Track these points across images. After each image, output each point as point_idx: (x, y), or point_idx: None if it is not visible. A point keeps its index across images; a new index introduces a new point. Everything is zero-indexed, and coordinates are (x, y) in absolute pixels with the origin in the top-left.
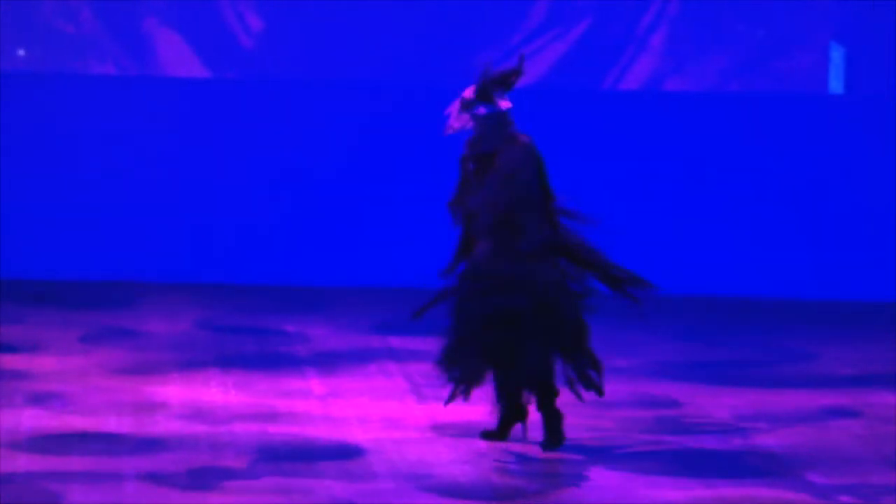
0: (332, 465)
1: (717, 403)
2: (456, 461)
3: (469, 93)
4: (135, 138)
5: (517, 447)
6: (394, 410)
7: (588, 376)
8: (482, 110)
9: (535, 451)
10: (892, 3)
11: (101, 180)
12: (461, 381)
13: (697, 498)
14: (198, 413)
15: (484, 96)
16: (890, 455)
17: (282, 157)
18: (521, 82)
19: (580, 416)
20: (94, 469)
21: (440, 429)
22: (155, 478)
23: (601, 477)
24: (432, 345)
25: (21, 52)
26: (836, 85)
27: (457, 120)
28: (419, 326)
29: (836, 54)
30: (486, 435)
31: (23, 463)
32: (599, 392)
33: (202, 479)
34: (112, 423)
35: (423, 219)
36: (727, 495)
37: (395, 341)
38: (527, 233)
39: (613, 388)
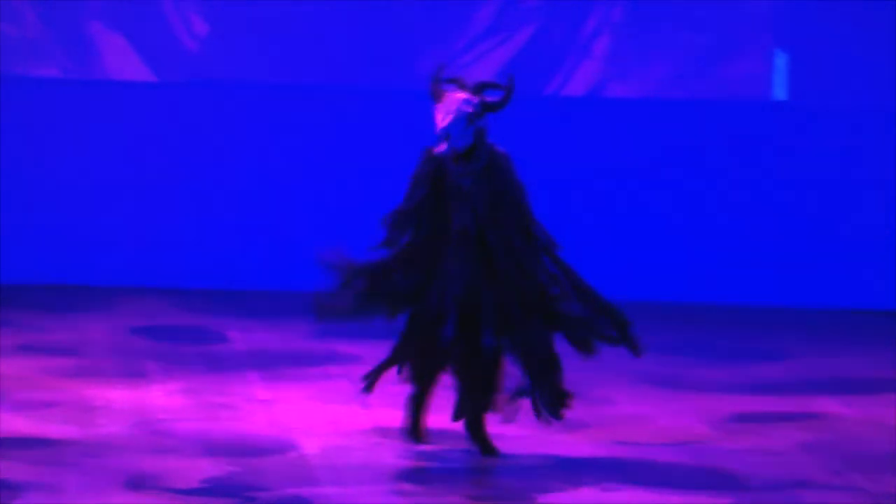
0: (275, 470)
1: (662, 409)
2: (401, 466)
3: (468, 106)
4: (76, 141)
5: (458, 449)
6: (338, 415)
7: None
8: (480, 123)
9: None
10: (836, 10)
11: (37, 183)
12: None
13: (638, 501)
14: (140, 417)
15: (486, 109)
16: (832, 464)
17: (224, 159)
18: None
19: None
20: (36, 473)
21: (384, 433)
22: (98, 482)
23: (545, 481)
24: (376, 349)
25: None
26: (779, 91)
27: (462, 136)
28: (362, 331)
29: (780, 61)
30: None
31: None
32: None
33: (145, 483)
34: (55, 428)
35: (366, 223)
36: (671, 502)
37: (339, 346)
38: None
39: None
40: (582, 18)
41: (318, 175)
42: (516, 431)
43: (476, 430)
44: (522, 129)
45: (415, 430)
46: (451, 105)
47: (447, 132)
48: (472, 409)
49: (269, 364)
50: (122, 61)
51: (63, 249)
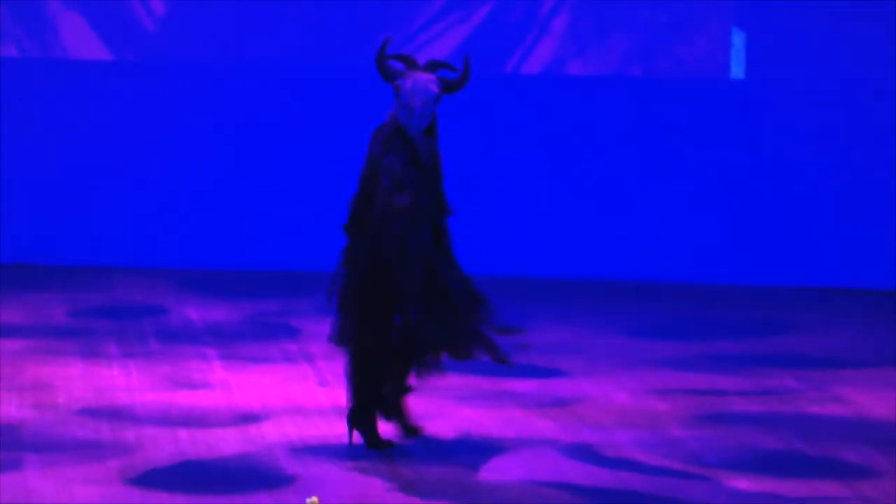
0: (233, 448)
1: (620, 386)
2: (359, 444)
3: (434, 86)
4: (35, 120)
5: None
6: (296, 393)
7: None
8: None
9: (439, 435)
10: None
11: (3, 161)
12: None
13: (603, 484)
14: (99, 396)
15: (446, 89)
16: (790, 441)
17: (182, 139)
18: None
19: (483, 406)
20: None
21: (342, 412)
22: (57, 461)
23: (498, 458)
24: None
25: None
26: (737, 70)
27: (429, 117)
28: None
29: (738, 39)
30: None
31: None
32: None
33: (104, 461)
34: (13, 407)
35: (323, 201)
36: (625, 475)
37: (298, 323)
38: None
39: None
40: None
41: (274, 152)
42: (472, 410)
43: (399, 412)
44: (482, 107)
45: (408, 428)
46: (418, 84)
47: (417, 112)
48: (396, 389)
49: (228, 342)
50: (81, 40)
51: (19, 229)
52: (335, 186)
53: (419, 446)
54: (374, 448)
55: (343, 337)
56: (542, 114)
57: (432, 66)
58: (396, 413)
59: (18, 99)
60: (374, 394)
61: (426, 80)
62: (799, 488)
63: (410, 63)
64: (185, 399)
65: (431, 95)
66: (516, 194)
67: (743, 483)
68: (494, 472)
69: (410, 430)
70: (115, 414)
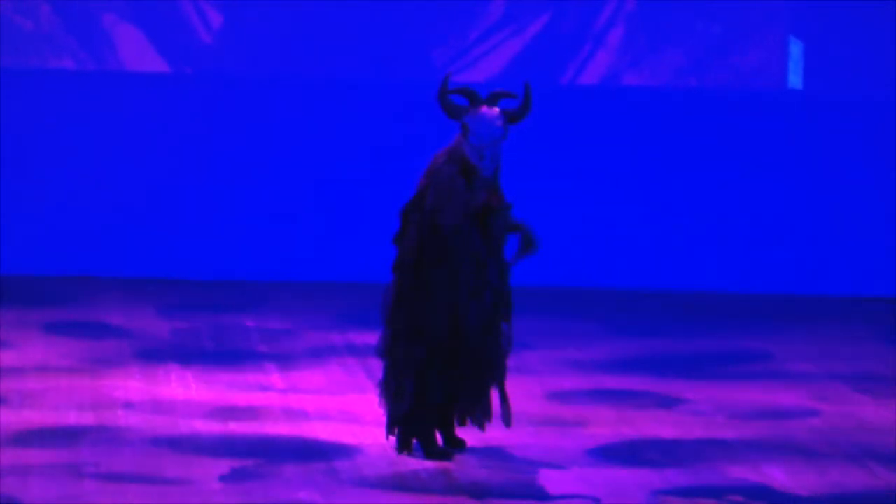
0: (292, 461)
1: (675, 398)
2: (417, 456)
3: (500, 122)
4: (93, 134)
5: (476, 442)
6: (354, 405)
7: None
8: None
9: (495, 443)
10: None
11: (58, 175)
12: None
13: (651, 485)
14: (158, 409)
15: (509, 122)
16: (846, 449)
17: (241, 151)
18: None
19: (536, 407)
20: (53, 466)
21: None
22: (114, 475)
23: (560, 467)
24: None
25: None
26: (794, 80)
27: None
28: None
29: (795, 49)
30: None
31: None
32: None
33: (162, 476)
34: (72, 419)
35: (382, 213)
36: (680, 483)
37: (356, 336)
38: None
39: (572, 380)
40: (596, 8)
41: (333, 167)
42: (531, 418)
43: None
44: (538, 119)
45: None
46: (485, 124)
47: (488, 155)
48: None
49: (287, 355)
50: (137, 52)
51: (83, 240)
52: (390, 198)
53: (474, 455)
54: (433, 457)
55: (386, 348)
56: (598, 125)
57: (495, 98)
58: (443, 424)
59: (77, 110)
60: (427, 404)
61: (492, 118)
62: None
63: (473, 97)
64: (243, 411)
65: (498, 133)
66: (574, 205)
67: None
68: (551, 482)
69: (455, 442)
70: (173, 427)
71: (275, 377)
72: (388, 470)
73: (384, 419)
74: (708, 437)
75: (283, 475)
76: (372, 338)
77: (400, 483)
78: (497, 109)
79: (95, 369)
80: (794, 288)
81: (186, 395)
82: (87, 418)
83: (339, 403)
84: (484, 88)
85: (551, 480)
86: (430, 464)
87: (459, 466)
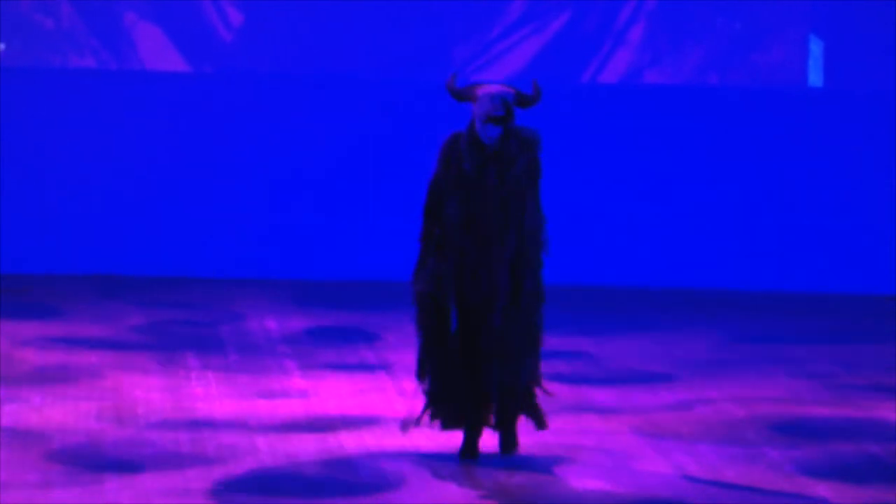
0: (313, 458)
1: (698, 395)
2: (438, 453)
3: (505, 93)
4: (112, 132)
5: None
6: (375, 404)
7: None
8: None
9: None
10: None
11: (78, 174)
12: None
13: (682, 494)
14: (178, 407)
15: (521, 99)
16: (869, 451)
17: (260, 150)
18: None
19: (560, 414)
20: (74, 464)
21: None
22: (134, 476)
23: (578, 471)
24: (412, 339)
25: (0, 47)
26: (815, 78)
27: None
28: (399, 318)
29: (815, 47)
30: (464, 455)
31: (2, 457)
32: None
33: (183, 472)
34: (93, 418)
35: (398, 211)
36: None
37: (376, 334)
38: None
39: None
40: (616, 5)
41: (355, 165)
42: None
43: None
44: (558, 116)
45: (472, 449)
46: (495, 92)
47: (504, 103)
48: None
49: (306, 352)
50: (158, 51)
51: (98, 239)
52: (411, 196)
53: (498, 456)
54: (465, 457)
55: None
56: (619, 123)
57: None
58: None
59: (98, 109)
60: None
61: (497, 90)
62: (879, 496)
63: (479, 86)
64: (263, 409)
65: (507, 92)
66: (593, 203)
67: (825, 491)
68: (572, 481)
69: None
70: (194, 425)
71: (295, 377)
72: (411, 469)
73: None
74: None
75: (305, 478)
76: (391, 335)
77: (423, 480)
78: (504, 87)
79: (116, 368)
80: (817, 286)
81: (207, 394)
82: (108, 418)
83: (361, 404)
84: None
85: (570, 477)
86: (451, 463)
87: (482, 468)
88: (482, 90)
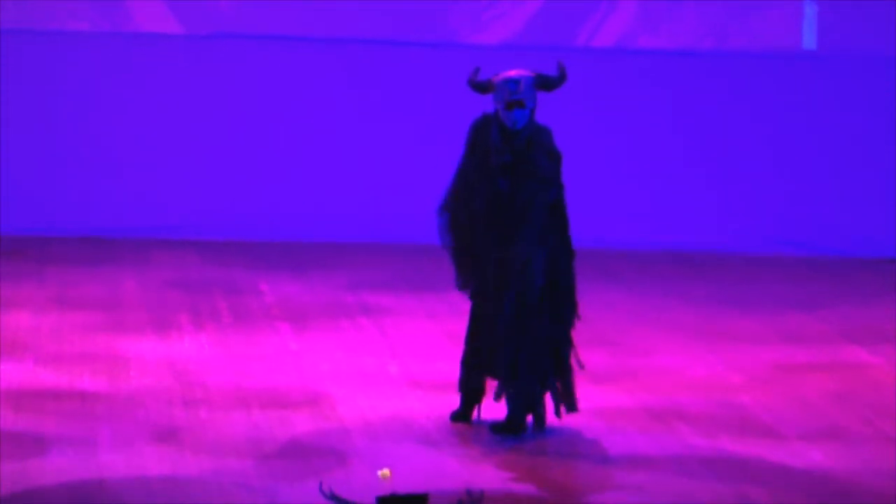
0: (306, 421)
1: (691, 358)
2: (431, 418)
3: (524, 77)
4: (106, 95)
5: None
6: (368, 367)
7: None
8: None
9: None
10: None
11: (71, 136)
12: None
13: (675, 453)
14: (172, 370)
15: (543, 81)
16: (862, 413)
17: (254, 113)
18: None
19: None
20: (67, 427)
21: (415, 385)
22: (129, 434)
23: (571, 432)
24: (406, 301)
25: None
26: (808, 41)
27: (531, 95)
28: (392, 281)
29: (810, 10)
30: (456, 418)
31: None
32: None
33: (176, 435)
34: (86, 381)
35: (394, 175)
36: (699, 447)
37: (369, 297)
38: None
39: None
40: None
41: (346, 128)
42: None
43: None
44: None
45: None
46: (514, 77)
47: (519, 84)
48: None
49: (300, 316)
50: (152, 14)
51: (93, 202)
52: (401, 158)
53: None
54: (456, 419)
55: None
56: (613, 88)
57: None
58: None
59: (93, 73)
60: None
61: (516, 75)
62: (873, 460)
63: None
64: (257, 373)
65: (526, 76)
66: (585, 168)
67: (817, 454)
68: (565, 446)
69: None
70: (188, 389)
71: (289, 340)
72: (402, 429)
73: (400, 380)
74: (723, 400)
75: (297, 436)
76: (385, 299)
77: (415, 442)
78: (523, 71)
79: (109, 331)
80: (813, 249)
81: (200, 357)
82: (101, 381)
83: (352, 365)
84: (497, 49)
85: (561, 444)
86: (444, 423)
87: (474, 429)
88: (498, 77)
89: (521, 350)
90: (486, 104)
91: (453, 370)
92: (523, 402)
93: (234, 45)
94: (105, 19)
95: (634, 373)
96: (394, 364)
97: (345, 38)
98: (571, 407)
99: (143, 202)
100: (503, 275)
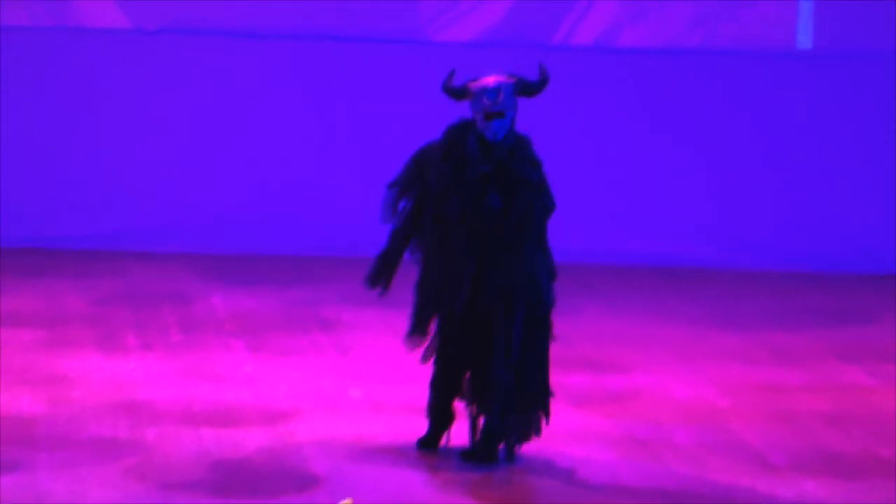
0: (261, 444)
1: (675, 379)
2: (393, 442)
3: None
4: (45, 95)
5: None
6: (327, 388)
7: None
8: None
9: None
10: None
11: (6, 139)
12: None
13: (659, 484)
14: (117, 391)
15: (524, 87)
16: (860, 439)
17: (205, 115)
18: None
19: None
20: (5, 451)
21: (375, 407)
22: (71, 459)
23: (548, 459)
24: (367, 317)
25: None
26: (804, 40)
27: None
28: (352, 297)
29: (805, 7)
30: (423, 444)
31: None
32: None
33: (122, 459)
34: (25, 402)
35: (355, 182)
36: (685, 476)
37: (328, 312)
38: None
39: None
40: None
41: (304, 132)
42: None
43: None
44: None
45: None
46: (492, 85)
47: (499, 93)
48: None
49: (254, 333)
50: (96, 7)
51: (31, 210)
52: (365, 166)
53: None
54: (424, 447)
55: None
56: (593, 88)
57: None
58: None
59: (26, 72)
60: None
61: (494, 82)
62: (871, 491)
63: (476, 80)
64: (208, 393)
65: (505, 83)
66: (564, 176)
67: (810, 484)
68: (540, 471)
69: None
70: (134, 409)
71: (243, 359)
72: (362, 453)
73: (360, 401)
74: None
75: (250, 458)
76: (342, 314)
77: (376, 467)
78: (502, 76)
79: (50, 348)
80: (804, 264)
81: (148, 376)
82: (41, 402)
83: (310, 384)
84: (471, 47)
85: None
86: (407, 446)
87: (439, 456)
88: (477, 84)
89: (507, 375)
90: (458, 108)
91: (420, 392)
92: (498, 429)
93: (185, 41)
94: (49, 14)
95: (615, 395)
96: (355, 384)
97: (305, 35)
98: (536, 431)
99: (85, 211)
100: (504, 292)
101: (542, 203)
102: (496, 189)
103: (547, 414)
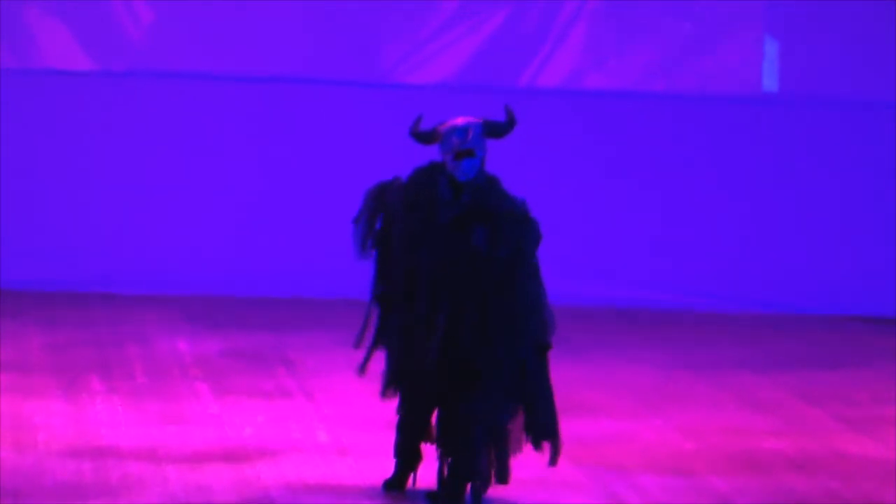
0: (227, 490)
1: (640, 424)
2: (359, 486)
3: (472, 126)
4: (9, 136)
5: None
6: (293, 431)
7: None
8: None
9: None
10: None
11: None
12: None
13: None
14: (82, 435)
15: (491, 129)
16: (827, 486)
17: (168, 156)
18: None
19: None
20: None
21: (342, 451)
22: (36, 503)
23: (513, 494)
24: (333, 359)
25: None
26: (769, 83)
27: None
28: (317, 339)
29: (770, 49)
30: (389, 486)
31: None
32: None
33: (87, 501)
34: None
35: (319, 223)
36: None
37: (294, 355)
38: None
39: None
40: (557, 4)
41: (268, 173)
42: None
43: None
44: None
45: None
46: (461, 126)
47: (468, 132)
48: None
49: (220, 376)
50: (62, 49)
51: None
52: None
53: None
54: (390, 488)
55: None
56: (558, 130)
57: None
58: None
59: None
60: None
61: (463, 123)
62: None
63: (444, 124)
64: (174, 436)
65: (473, 122)
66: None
67: None
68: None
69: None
70: (99, 453)
71: (208, 402)
72: (326, 495)
73: (327, 445)
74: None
75: None
76: (308, 358)
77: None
78: (470, 118)
79: (13, 393)
80: (771, 307)
81: (112, 419)
82: (4, 448)
83: (277, 428)
84: (436, 89)
85: None
86: (376, 492)
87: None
88: (445, 126)
89: (486, 412)
90: (425, 151)
91: (387, 436)
92: (466, 471)
93: (146, 82)
94: (12, 54)
95: (580, 439)
96: (321, 427)
97: (268, 77)
98: (502, 478)
99: (48, 252)
100: (505, 324)
101: (531, 232)
102: (479, 225)
103: (557, 447)
